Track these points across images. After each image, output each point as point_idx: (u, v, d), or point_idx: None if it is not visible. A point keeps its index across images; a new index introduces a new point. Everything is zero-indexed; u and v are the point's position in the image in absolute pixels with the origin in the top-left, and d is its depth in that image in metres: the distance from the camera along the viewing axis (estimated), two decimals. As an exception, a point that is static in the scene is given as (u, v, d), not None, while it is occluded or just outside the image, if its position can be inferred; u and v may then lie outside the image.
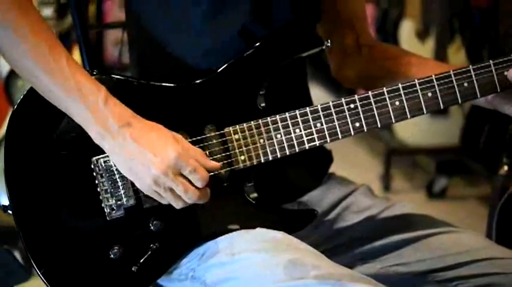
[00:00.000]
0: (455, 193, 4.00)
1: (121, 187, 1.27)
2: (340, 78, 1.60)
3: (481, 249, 1.40)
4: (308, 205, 1.47)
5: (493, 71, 1.29)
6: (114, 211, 1.27)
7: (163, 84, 1.30)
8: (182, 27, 1.35)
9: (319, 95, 5.62)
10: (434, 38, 4.06)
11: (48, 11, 2.68)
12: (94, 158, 1.26)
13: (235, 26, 1.34)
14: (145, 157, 1.19)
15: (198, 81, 1.30)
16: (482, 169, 3.64)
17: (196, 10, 1.33)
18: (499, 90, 1.30)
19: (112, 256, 1.27)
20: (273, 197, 1.39)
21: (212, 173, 1.27)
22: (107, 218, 1.28)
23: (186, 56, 1.36)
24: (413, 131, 4.05)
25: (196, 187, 1.22)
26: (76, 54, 1.54)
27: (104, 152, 1.25)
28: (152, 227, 1.28)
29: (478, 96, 1.30)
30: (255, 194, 1.32)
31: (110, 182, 1.27)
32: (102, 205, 1.27)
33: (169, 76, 1.32)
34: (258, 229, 1.28)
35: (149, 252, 1.28)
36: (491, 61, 1.30)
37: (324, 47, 1.32)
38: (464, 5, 3.93)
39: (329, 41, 1.32)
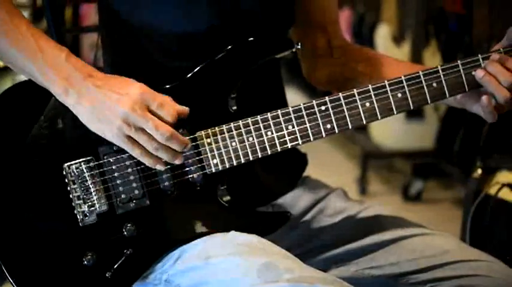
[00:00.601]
0: (430, 196, 4.03)
1: (93, 193, 1.27)
2: (312, 80, 1.61)
3: (453, 251, 1.41)
4: (282, 208, 1.47)
5: (461, 71, 1.30)
6: (86, 218, 1.27)
7: None
8: (152, 30, 1.35)
9: (296, 98, 5.64)
10: (410, 42, 4.09)
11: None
12: (66, 165, 1.26)
13: (205, 27, 1.34)
14: (110, 98, 1.20)
15: (168, 86, 1.30)
16: (457, 172, 3.67)
17: (166, 10, 1.33)
18: (467, 89, 1.31)
19: (85, 262, 1.27)
20: (247, 200, 1.39)
21: (184, 178, 1.28)
22: (80, 224, 1.27)
23: (156, 59, 1.36)
24: (390, 134, 4.08)
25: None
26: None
27: (75, 159, 1.25)
28: (125, 233, 1.28)
29: (447, 96, 1.31)
30: (228, 197, 1.32)
31: (82, 189, 1.27)
32: (75, 211, 1.27)
33: (142, 80, 1.33)
34: (232, 233, 1.29)
35: (123, 258, 1.27)
36: (459, 61, 1.31)
37: (294, 50, 1.33)
38: (439, 10, 3.97)
39: (299, 43, 1.33)
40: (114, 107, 1.20)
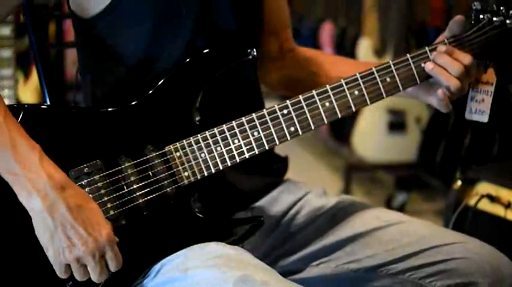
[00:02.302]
0: (413, 208, 4.05)
1: None
2: (265, 83, 1.64)
3: (429, 237, 1.44)
4: (262, 211, 1.49)
5: (411, 64, 1.35)
6: None
7: (100, 109, 1.30)
8: (127, 48, 1.36)
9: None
10: (391, 55, 4.13)
11: (6, 30, 2.67)
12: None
13: (180, 43, 1.35)
14: (76, 232, 1.17)
15: (133, 103, 1.31)
16: (439, 184, 3.69)
17: (140, 29, 1.35)
18: (418, 82, 1.36)
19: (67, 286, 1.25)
20: (223, 207, 1.41)
21: (157, 193, 1.29)
22: None
23: (132, 76, 1.36)
24: (372, 147, 4.11)
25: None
26: (35, 74, 1.54)
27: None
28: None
29: (401, 89, 1.36)
30: (202, 208, 1.33)
31: None
32: None
33: (115, 97, 1.34)
34: (212, 245, 1.29)
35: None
36: (408, 55, 1.36)
37: (250, 57, 1.35)
38: (420, 24, 4.01)
39: (254, 50, 1.35)
40: (75, 245, 1.17)
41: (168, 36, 1.35)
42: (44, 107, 1.32)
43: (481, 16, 1.38)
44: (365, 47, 4.35)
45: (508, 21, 1.37)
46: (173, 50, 1.35)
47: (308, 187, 1.57)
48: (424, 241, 1.43)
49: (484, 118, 1.41)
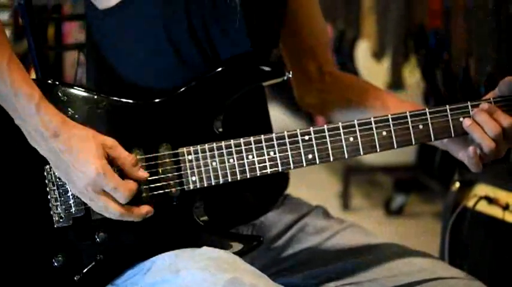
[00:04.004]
0: (412, 210, 4.06)
1: (71, 197, 1.28)
2: (304, 105, 1.63)
3: (431, 269, 1.43)
4: (262, 227, 1.49)
5: (449, 116, 1.30)
6: (62, 220, 1.29)
7: (122, 99, 1.32)
8: (137, 49, 1.37)
9: (278, 116, 5.67)
10: (390, 58, 4.14)
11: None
12: (48, 166, 1.28)
13: (193, 46, 1.36)
14: (67, 171, 1.23)
15: (157, 100, 1.33)
16: (437, 186, 3.70)
17: (151, 32, 1.36)
18: (453, 135, 1.31)
19: (55, 263, 1.29)
20: (225, 219, 1.41)
21: (162, 191, 1.29)
22: (54, 226, 1.29)
23: (143, 77, 1.38)
24: (371, 149, 4.10)
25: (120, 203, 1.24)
26: (33, 76, 1.55)
27: None
28: (98, 239, 1.30)
29: (432, 139, 1.31)
30: (205, 217, 1.34)
31: (60, 191, 1.28)
32: (51, 212, 1.29)
33: (127, 97, 1.35)
34: (204, 248, 1.30)
35: (93, 263, 1.29)
36: (447, 106, 1.31)
37: (285, 78, 1.34)
38: (419, 27, 4.01)
39: (290, 72, 1.34)
40: (71, 181, 1.24)
41: (177, 42, 1.35)
42: (75, 87, 1.33)
43: None
44: (363, 50, 4.35)
45: None
46: (186, 54, 1.35)
47: (309, 206, 1.57)
48: (427, 272, 1.42)
49: None
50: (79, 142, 1.23)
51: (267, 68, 1.34)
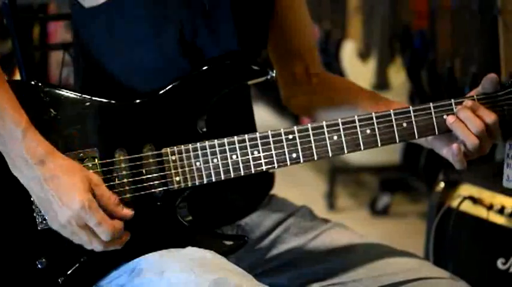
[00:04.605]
0: (397, 210, 4.07)
1: None
2: (291, 106, 1.63)
3: (414, 269, 1.44)
4: (247, 228, 1.49)
5: (433, 114, 1.31)
6: (45, 221, 1.28)
7: (106, 100, 1.32)
8: (125, 48, 1.37)
9: (263, 115, 5.67)
10: (376, 58, 4.15)
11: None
12: None
13: (180, 45, 1.36)
14: (51, 203, 1.21)
15: (139, 100, 1.33)
16: (423, 186, 3.71)
17: (140, 31, 1.36)
18: (437, 133, 1.32)
19: (39, 265, 1.29)
20: (209, 219, 1.41)
21: (146, 192, 1.29)
22: (38, 227, 1.28)
23: (130, 76, 1.38)
24: (357, 149, 4.11)
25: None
26: (18, 76, 1.55)
27: None
28: None
29: (416, 137, 1.31)
30: (189, 217, 1.34)
31: None
32: (34, 214, 1.28)
33: (113, 97, 1.35)
34: (188, 248, 1.30)
35: (77, 265, 1.29)
36: (431, 104, 1.31)
37: (268, 77, 1.34)
38: (404, 27, 4.03)
39: (274, 71, 1.34)
40: (54, 214, 1.22)
41: (165, 41, 1.35)
42: (58, 88, 1.33)
43: None
44: (349, 50, 4.36)
45: None
46: (171, 54, 1.35)
47: (294, 206, 1.57)
48: (410, 273, 1.42)
49: None
50: (65, 173, 1.21)
51: (250, 67, 1.34)
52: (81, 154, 1.28)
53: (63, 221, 1.21)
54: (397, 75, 4.09)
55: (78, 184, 1.21)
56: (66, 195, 1.20)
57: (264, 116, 5.69)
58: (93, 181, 1.23)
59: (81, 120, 1.30)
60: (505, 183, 1.37)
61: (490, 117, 1.30)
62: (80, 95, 1.32)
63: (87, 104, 1.31)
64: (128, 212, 1.25)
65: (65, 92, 1.32)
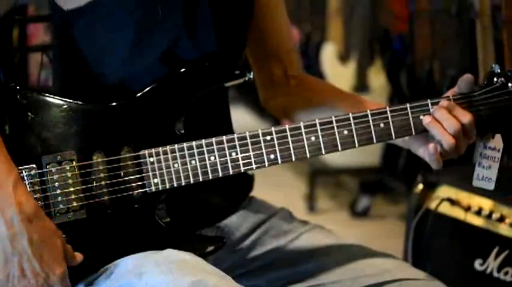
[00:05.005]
0: (377, 212, 4.09)
1: None
2: (269, 108, 1.63)
3: (393, 270, 1.44)
4: (227, 230, 1.49)
5: (409, 114, 1.31)
6: None
7: (84, 103, 1.32)
8: (106, 52, 1.37)
9: (243, 118, 5.68)
10: (355, 61, 4.17)
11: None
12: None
13: (160, 51, 1.36)
14: (31, 266, 1.18)
15: (117, 102, 1.32)
16: (402, 188, 3.73)
17: (122, 34, 1.35)
18: (413, 133, 1.32)
19: None
20: (188, 221, 1.41)
21: (124, 194, 1.29)
22: None
23: (110, 79, 1.37)
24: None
25: None
26: (-3, 78, 1.54)
27: (18, 165, 1.24)
28: None
29: (393, 137, 1.32)
30: (167, 219, 1.34)
31: None
32: None
33: (90, 100, 1.34)
34: (167, 250, 1.30)
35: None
36: (408, 104, 1.32)
37: (246, 79, 1.35)
38: (384, 30, 4.06)
39: (251, 72, 1.35)
40: (26, 277, 1.18)
41: (146, 46, 1.35)
42: (36, 91, 1.32)
43: (495, 79, 1.33)
44: (329, 52, 4.38)
45: None
46: (152, 60, 1.35)
47: (274, 208, 1.57)
48: (388, 274, 1.43)
49: (491, 186, 1.36)
50: (50, 237, 1.20)
51: (228, 69, 1.35)
52: (59, 157, 1.28)
53: (29, 286, 1.18)
54: (377, 78, 4.12)
55: (60, 253, 1.20)
56: (49, 265, 1.18)
57: (244, 117, 5.70)
58: (69, 255, 1.23)
59: (59, 123, 1.30)
60: (475, 182, 1.39)
61: (465, 117, 1.31)
62: (58, 97, 1.31)
63: (65, 106, 1.31)
64: (80, 258, 1.25)
65: (43, 95, 1.31)
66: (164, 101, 1.33)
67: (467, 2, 2.87)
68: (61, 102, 1.31)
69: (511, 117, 1.34)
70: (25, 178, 1.27)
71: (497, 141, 1.36)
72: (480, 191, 1.96)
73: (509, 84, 1.32)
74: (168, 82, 1.34)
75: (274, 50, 1.58)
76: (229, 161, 1.31)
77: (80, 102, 1.32)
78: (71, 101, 1.31)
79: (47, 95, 1.31)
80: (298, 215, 1.60)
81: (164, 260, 1.27)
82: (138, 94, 1.33)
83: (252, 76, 1.35)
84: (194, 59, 1.36)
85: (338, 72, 4.25)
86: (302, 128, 1.31)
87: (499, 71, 1.34)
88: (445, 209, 2.10)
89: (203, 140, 1.31)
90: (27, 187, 1.27)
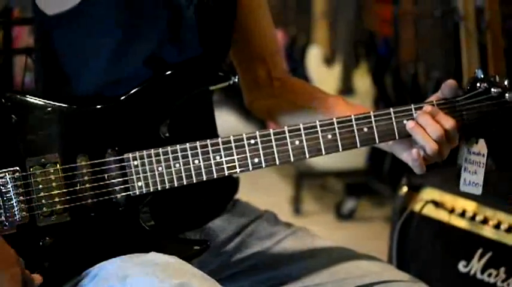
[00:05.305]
0: (363, 214, 4.09)
1: (15, 204, 1.27)
2: (254, 109, 1.63)
3: (378, 272, 1.45)
4: (211, 232, 1.49)
5: (393, 119, 1.32)
6: (5, 227, 1.27)
7: (68, 105, 1.32)
8: (90, 56, 1.37)
9: (229, 121, 5.68)
10: (341, 63, 4.18)
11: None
12: None
13: (145, 56, 1.36)
14: None
15: (101, 105, 1.32)
16: (387, 190, 3.75)
17: (107, 40, 1.35)
18: (397, 137, 1.33)
19: None
20: (172, 224, 1.41)
21: (107, 197, 1.29)
22: None
23: (93, 84, 1.37)
24: (322, 154, 4.13)
25: None
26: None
27: (1, 168, 1.25)
28: (44, 246, 1.29)
29: (377, 142, 1.32)
30: (151, 222, 1.34)
31: (4, 198, 1.27)
32: None
33: (74, 103, 1.34)
34: (151, 253, 1.30)
35: (39, 270, 1.28)
36: (391, 109, 1.32)
37: (231, 82, 1.35)
38: (369, 33, 4.07)
39: (236, 76, 1.35)
40: None
41: (131, 50, 1.35)
42: (20, 93, 1.32)
43: (478, 84, 1.33)
44: (315, 55, 4.39)
45: (507, 94, 1.31)
46: (137, 64, 1.35)
47: (258, 211, 1.58)
48: (373, 276, 1.44)
49: (478, 191, 1.37)
50: (7, 268, 1.17)
51: (212, 73, 1.35)
52: (43, 159, 1.28)
53: None
54: (362, 81, 4.13)
55: (17, 283, 1.17)
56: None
57: (229, 121, 5.70)
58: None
59: (43, 126, 1.30)
60: (462, 187, 1.39)
61: (448, 122, 1.32)
62: (42, 100, 1.31)
63: (49, 109, 1.31)
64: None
65: (27, 98, 1.31)
66: (149, 104, 1.33)
67: (451, 5, 2.88)
68: (45, 104, 1.31)
69: (494, 122, 1.35)
70: (8, 180, 1.27)
71: (482, 146, 1.37)
72: (464, 194, 1.97)
73: (493, 90, 1.33)
74: (153, 85, 1.34)
75: (258, 52, 1.58)
76: (213, 165, 1.31)
77: (64, 105, 1.32)
78: (55, 103, 1.32)
79: (31, 97, 1.31)
80: (284, 218, 1.61)
81: (148, 263, 1.27)
82: (123, 97, 1.33)
83: (236, 79, 1.35)
84: (179, 62, 1.37)
85: (323, 75, 4.26)
86: (286, 132, 1.31)
87: (482, 76, 1.35)
88: (429, 211, 2.10)
89: (187, 144, 1.31)
90: (11, 189, 1.27)
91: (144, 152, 1.31)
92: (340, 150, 1.32)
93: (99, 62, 1.36)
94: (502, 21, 2.43)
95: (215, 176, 1.31)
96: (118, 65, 1.36)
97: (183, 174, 1.31)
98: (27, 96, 1.31)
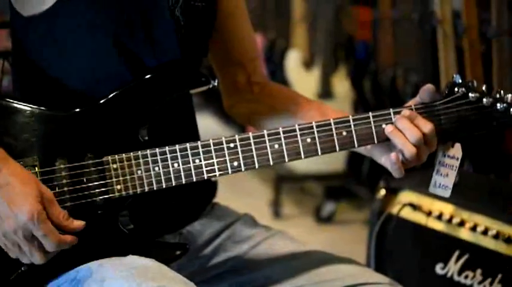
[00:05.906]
0: (342, 217, 4.11)
1: None
2: (233, 114, 1.64)
3: (356, 275, 1.46)
4: (189, 236, 1.49)
5: (372, 123, 1.33)
6: None
7: (46, 109, 1.32)
8: (68, 59, 1.37)
9: (208, 124, 5.67)
10: (320, 68, 4.19)
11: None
12: None
13: (122, 56, 1.36)
14: (3, 209, 1.20)
15: (80, 109, 1.32)
16: (366, 193, 3.76)
17: (84, 40, 1.35)
18: (376, 142, 1.34)
19: None
20: (151, 228, 1.41)
21: (86, 200, 1.30)
22: None
23: (71, 85, 1.37)
24: (302, 158, 4.14)
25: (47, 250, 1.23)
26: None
27: None
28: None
29: (356, 146, 1.33)
30: (130, 225, 1.34)
31: None
32: None
33: (53, 106, 1.34)
34: (130, 256, 1.30)
35: (16, 274, 1.28)
36: (370, 113, 1.34)
37: (210, 86, 1.35)
38: (348, 37, 4.09)
39: (216, 80, 1.36)
40: (3, 220, 1.21)
41: (109, 54, 1.35)
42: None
43: (456, 89, 1.35)
44: (294, 59, 4.40)
45: (485, 100, 1.33)
46: (114, 65, 1.36)
47: (237, 214, 1.58)
48: (351, 278, 1.45)
49: (447, 193, 1.38)
50: (20, 182, 1.22)
51: (192, 76, 1.35)
52: (21, 163, 1.28)
53: (9, 229, 1.20)
54: (341, 85, 4.15)
55: (32, 194, 1.21)
56: (18, 204, 1.20)
57: (209, 125, 5.69)
58: (47, 196, 1.24)
59: (21, 129, 1.29)
60: (431, 189, 1.41)
61: (426, 126, 1.33)
62: (20, 103, 1.31)
63: (28, 112, 1.31)
64: (79, 223, 1.26)
65: (5, 101, 1.31)
66: (128, 108, 1.33)
67: (428, 10, 2.90)
68: (24, 108, 1.31)
69: (471, 127, 1.36)
70: None
71: (457, 150, 1.39)
72: (442, 197, 1.99)
73: (470, 95, 1.34)
74: (132, 89, 1.34)
75: (238, 57, 1.59)
76: (192, 168, 1.31)
77: (43, 109, 1.32)
78: (34, 107, 1.31)
79: (9, 101, 1.31)
80: (263, 221, 1.61)
81: (126, 266, 1.27)
82: (102, 101, 1.33)
83: (216, 83, 1.36)
84: (158, 66, 1.37)
85: (302, 79, 4.27)
86: (266, 135, 1.32)
87: (460, 81, 1.36)
88: (407, 214, 2.12)
89: (167, 147, 1.31)
90: None
91: (124, 156, 1.31)
92: (320, 154, 1.33)
93: (77, 65, 1.36)
94: (479, 26, 2.45)
95: (194, 180, 1.32)
96: (97, 68, 1.36)
97: (163, 177, 1.31)
98: (5, 99, 1.31)
